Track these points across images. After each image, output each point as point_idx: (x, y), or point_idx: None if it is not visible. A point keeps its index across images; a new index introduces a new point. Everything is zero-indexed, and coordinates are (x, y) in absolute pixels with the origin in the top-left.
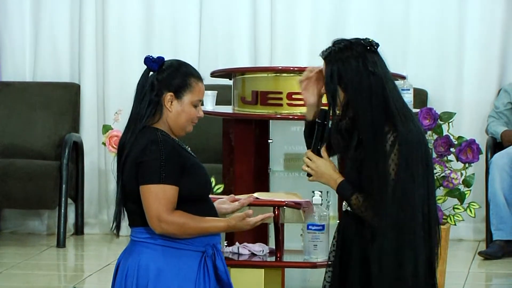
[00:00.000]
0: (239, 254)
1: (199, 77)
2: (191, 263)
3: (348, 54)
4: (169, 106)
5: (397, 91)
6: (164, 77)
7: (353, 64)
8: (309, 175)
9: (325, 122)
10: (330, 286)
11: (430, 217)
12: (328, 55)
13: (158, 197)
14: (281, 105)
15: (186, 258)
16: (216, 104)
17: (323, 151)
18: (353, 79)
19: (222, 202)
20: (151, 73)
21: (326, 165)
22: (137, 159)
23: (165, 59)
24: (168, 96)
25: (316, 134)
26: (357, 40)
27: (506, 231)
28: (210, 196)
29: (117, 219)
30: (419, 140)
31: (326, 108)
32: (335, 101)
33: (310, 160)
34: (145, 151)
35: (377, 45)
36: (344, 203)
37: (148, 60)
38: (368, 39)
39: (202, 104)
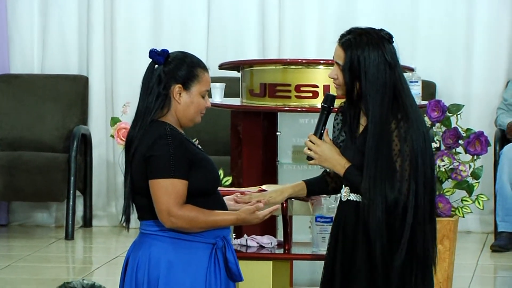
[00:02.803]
0: (247, 247)
1: (204, 67)
2: (201, 255)
3: (368, 42)
4: (178, 98)
5: (407, 83)
6: (171, 69)
7: (373, 54)
8: (309, 158)
9: (331, 107)
10: (328, 278)
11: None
12: (346, 42)
13: (167, 191)
14: (289, 97)
15: (197, 250)
16: (224, 97)
17: (325, 136)
18: (371, 69)
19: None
20: (156, 66)
21: (331, 150)
22: (146, 154)
23: (170, 52)
24: (177, 88)
25: (320, 118)
26: (375, 30)
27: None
28: (220, 188)
29: (126, 213)
30: (427, 131)
31: (332, 93)
32: (354, 88)
33: (314, 143)
34: (154, 146)
35: (392, 36)
36: (344, 193)
37: (153, 53)
38: (384, 30)
39: (210, 96)
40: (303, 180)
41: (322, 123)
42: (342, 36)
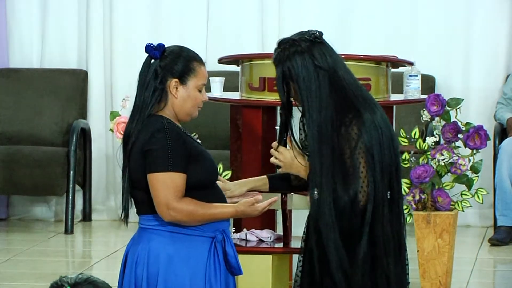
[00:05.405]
0: (247, 241)
1: (201, 61)
2: (201, 249)
3: (293, 51)
4: (174, 93)
5: (350, 76)
6: (167, 64)
7: (299, 60)
8: (278, 166)
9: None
10: (301, 275)
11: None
12: (276, 58)
13: (166, 185)
14: None
15: (196, 244)
16: (223, 91)
17: (288, 142)
18: (300, 75)
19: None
20: (152, 61)
21: (293, 155)
22: (143, 148)
23: (166, 46)
24: (173, 82)
25: (280, 125)
26: (301, 36)
27: (511, 217)
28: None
29: (125, 207)
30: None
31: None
32: (289, 101)
33: (278, 152)
34: (151, 139)
35: (321, 34)
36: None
37: (149, 48)
38: (311, 31)
39: (209, 90)
40: (266, 175)
41: (283, 131)
42: (274, 52)
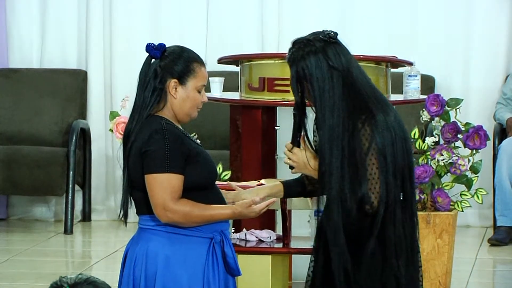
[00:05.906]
0: (246, 241)
1: (201, 62)
2: (199, 249)
3: (308, 51)
4: (173, 93)
5: (364, 77)
6: (167, 64)
7: (313, 59)
8: (291, 167)
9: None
10: (313, 272)
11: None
12: (290, 57)
13: (163, 186)
14: (288, 91)
15: (195, 245)
16: (223, 91)
17: (302, 142)
18: (314, 75)
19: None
20: (153, 60)
21: (307, 156)
22: (142, 148)
23: (167, 46)
24: (172, 82)
25: (294, 126)
26: (315, 36)
27: (510, 218)
28: (219, 183)
29: (125, 208)
30: (398, 122)
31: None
32: (303, 101)
33: (291, 152)
34: (149, 140)
35: (336, 34)
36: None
37: (149, 48)
38: (326, 31)
39: (209, 91)
40: (281, 182)
41: (296, 131)
42: (288, 52)
